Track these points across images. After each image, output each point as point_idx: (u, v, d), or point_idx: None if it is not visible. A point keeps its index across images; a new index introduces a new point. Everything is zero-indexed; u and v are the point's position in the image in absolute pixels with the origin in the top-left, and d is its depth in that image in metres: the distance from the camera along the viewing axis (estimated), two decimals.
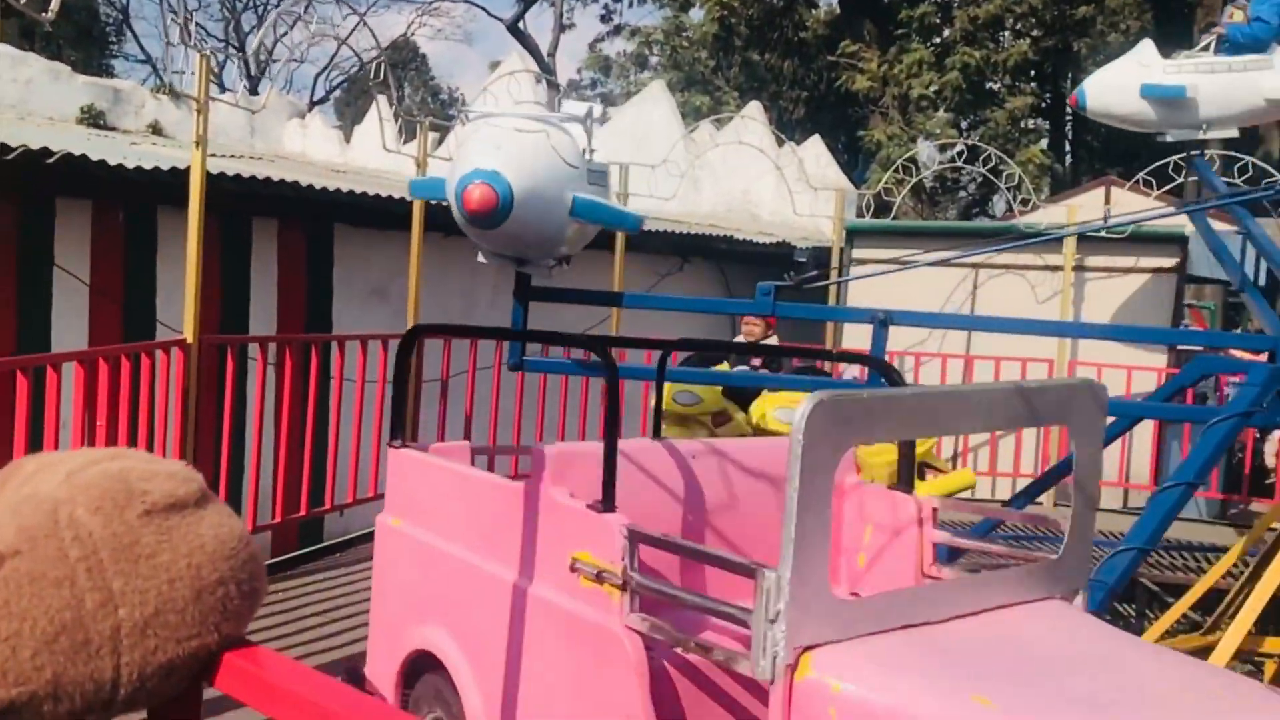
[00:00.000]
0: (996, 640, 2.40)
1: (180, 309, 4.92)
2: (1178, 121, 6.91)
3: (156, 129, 13.79)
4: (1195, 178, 9.93)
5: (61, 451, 1.12)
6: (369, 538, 6.16)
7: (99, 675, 0.96)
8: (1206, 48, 6.89)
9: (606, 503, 2.66)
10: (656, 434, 3.99)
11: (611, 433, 2.73)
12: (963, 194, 21.90)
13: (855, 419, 2.27)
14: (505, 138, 3.81)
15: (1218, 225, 10.21)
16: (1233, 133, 7.12)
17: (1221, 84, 6.77)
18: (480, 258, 4.34)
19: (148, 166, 6.28)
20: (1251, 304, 6.27)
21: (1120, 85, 6.91)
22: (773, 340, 6.71)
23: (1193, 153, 7.18)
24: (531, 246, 4.17)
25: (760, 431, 5.84)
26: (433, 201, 5.11)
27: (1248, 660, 4.71)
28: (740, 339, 6.79)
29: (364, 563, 5.65)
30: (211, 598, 1.02)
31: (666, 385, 5.21)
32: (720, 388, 6.00)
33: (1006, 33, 19.42)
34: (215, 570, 1.03)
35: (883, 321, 4.73)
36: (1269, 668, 4.74)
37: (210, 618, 1.02)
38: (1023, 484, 8.04)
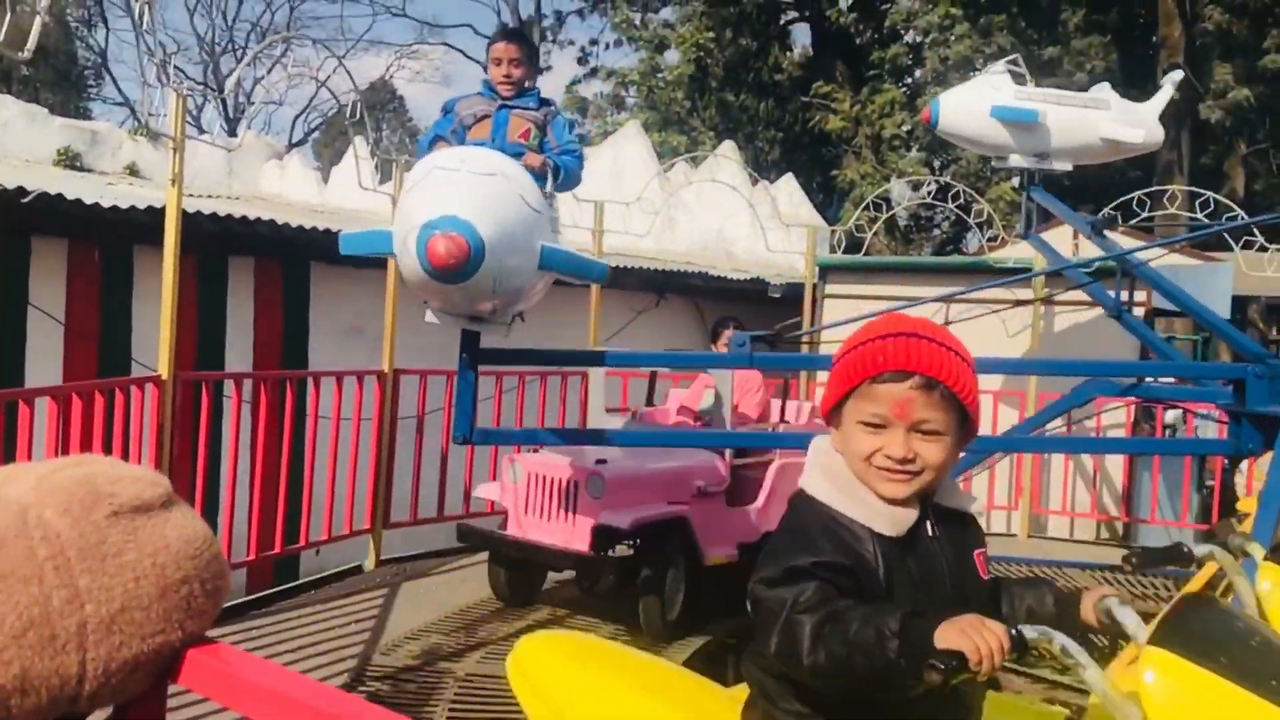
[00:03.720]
0: None
1: (156, 348, 4.92)
2: (1023, 147, 6.94)
3: (134, 170, 13.84)
4: (1159, 213, 10.11)
5: (29, 462, 1.16)
6: (344, 575, 6.17)
7: (65, 670, 0.99)
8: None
9: None
10: None
11: None
12: (936, 231, 22.17)
13: None
14: (467, 181, 3.42)
15: (1186, 261, 10.37)
16: (1068, 167, 7.11)
17: (1066, 116, 6.89)
18: (429, 318, 3.95)
19: (124, 206, 6.32)
20: (1225, 335, 6.19)
21: (971, 104, 6.93)
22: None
23: (1033, 182, 7.24)
24: (496, 301, 3.71)
25: None
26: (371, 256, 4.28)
27: None
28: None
29: (339, 600, 5.64)
30: (176, 595, 1.06)
31: None
32: None
33: (976, 73, 19.74)
34: (180, 569, 1.06)
35: None
36: None
37: (174, 615, 1.06)
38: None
